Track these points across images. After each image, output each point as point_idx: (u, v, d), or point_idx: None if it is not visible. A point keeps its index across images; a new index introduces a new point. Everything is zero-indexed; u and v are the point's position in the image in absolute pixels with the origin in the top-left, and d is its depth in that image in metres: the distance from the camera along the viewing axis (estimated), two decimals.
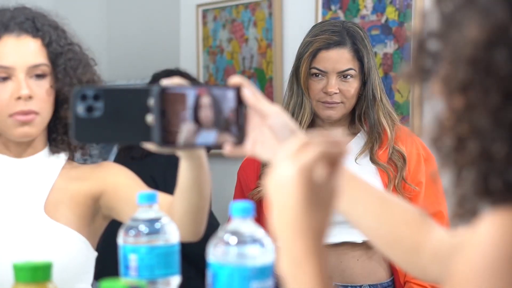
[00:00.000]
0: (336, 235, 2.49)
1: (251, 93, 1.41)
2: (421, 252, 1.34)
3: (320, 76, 2.52)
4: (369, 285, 2.52)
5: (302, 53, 2.56)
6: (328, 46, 2.52)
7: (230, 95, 1.41)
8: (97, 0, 4.70)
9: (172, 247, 1.55)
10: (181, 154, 1.69)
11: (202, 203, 1.78)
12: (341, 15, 3.75)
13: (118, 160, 3.62)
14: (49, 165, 1.97)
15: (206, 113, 1.39)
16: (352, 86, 2.51)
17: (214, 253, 1.39)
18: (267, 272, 1.38)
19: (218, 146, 1.42)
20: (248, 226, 1.39)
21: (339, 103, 2.51)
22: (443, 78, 0.93)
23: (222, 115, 1.41)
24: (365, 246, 2.50)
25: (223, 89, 1.42)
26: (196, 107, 1.39)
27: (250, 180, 2.65)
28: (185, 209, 1.78)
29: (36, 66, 1.90)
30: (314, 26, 2.67)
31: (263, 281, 1.37)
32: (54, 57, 1.93)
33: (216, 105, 1.40)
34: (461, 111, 0.92)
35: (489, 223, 0.90)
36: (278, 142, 1.37)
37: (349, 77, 2.51)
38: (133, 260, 1.53)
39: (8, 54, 1.89)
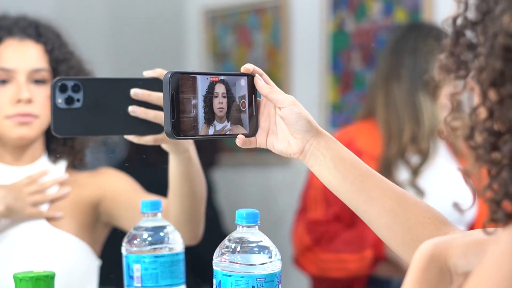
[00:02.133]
0: None
1: (264, 82, 1.36)
2: None
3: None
4: None
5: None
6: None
7: (242, 82, 1.36)
8: (101, 4, 4.68)
9: (177, 256, 1.52)
10: (167, 148, 1.66)
11: (195, 201, 1.75)
12: (348, 18, 3.72)
13: (130, 165, 3.58)
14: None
15: (220, 102, 1.34)
16: None
17: (219, 262, 1.36)
18: (274, 281, 1.34)
19: (227, 137, 1.37)
20: (254, 234, 1.36)
21: None
22: (478, 69, 0.90)
23: (234, 104, 1.35)
24: None
25: (234, 77, 1.36)
26: (208, 95, 1.33)
27: None
28: (179, 209, 1.75)
29: (37, 71, 1.88)
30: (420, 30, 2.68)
31: None
32: (55, 64, 1.91)
33: (229, 93, 1.35)
34: (495, 105, 0.88)
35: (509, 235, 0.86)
36: (291, 133, 1.33)
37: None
38: (137, 269, 1.50)
39: (9, 57, 1.87)
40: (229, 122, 1.35)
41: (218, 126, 1.34)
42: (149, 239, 1.50)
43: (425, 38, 2.54)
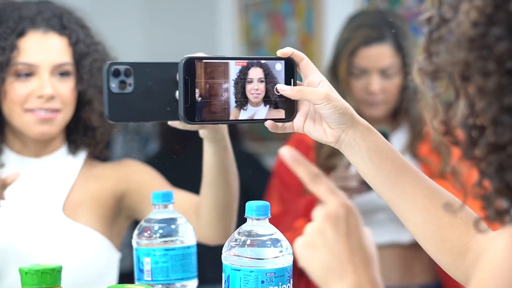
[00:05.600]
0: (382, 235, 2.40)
1: (305, 65, 1.33)
2: (466, 256, 1.25)
3: (360, 74, 2.41)
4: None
5: (340, 50, 2.45)
6: (368, 42, 2.40)
7: (278, 67, 1.32)
8: (136, 1, 4.67)
9: (189, 249, 1.48)
10: (204, 136, 1.62)
11: (229, 195, 1.71)
12: (382, 5, 3.65)
13: (166, 157, 3.55)
14: (68, 164, 1.92)
15: (253, 87, 1.32)
16: (394, 83, 2.39)
17: (228, 256, 1.32)
18: (285, 276, 1.30)
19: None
20: (265, 227, 1.32)
21: (381, 101, 2.40)
22: (447, 64, 0.86)
23: (271, 88, 1.32)
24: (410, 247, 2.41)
25: (271, 61, 1.32)
26: (240, 80, 1.31)
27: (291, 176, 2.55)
28: (213, 203, 1.71)
29: (60, 65, 1.85)
30: (351, 19, 2.56)
31: (280, 286, 1.29)
32: (79, 57, 1.88)
33: (267, 78, 1.32)
34: (470, 100, 0.85)
35: (506, 238, 0.82)
36: (327, 123, 1.30)
37: (391, 73, 2.39)
38: (147, 263, 1.46)
39: (33, 51, 1.84)
40: (267, 107, 1.32)
41: (251, 111, 1.32)
42: (160, 231, 1.46)
43: (359, 28, 2.46)
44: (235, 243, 1.32)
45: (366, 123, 1.30)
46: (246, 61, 1.32)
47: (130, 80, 1.37)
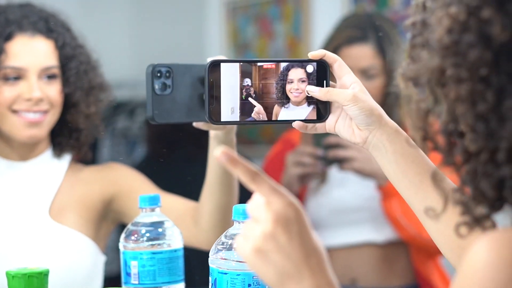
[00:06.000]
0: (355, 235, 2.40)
1: (338, 66, 1.34)
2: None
3: None
4: None
5: (324, 49, 2.45)
6: (350, 42, 2.41)
7: (310, 69, 1.35)
8: (123, 3, 4.67)
9: (176, 252, 1.48)
10: (216, 137, 1.62)
11: (231, 199, 1.72)
12: (370, 8, 3.66)
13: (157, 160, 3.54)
14: (53, 167, 1.92)
15: (293, 86, 1.34)
16: (375, 85, 2.40)
17: (215, 259, 1.32)
18: None
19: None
20: None
21: None
22: (425, 70, 0.87)
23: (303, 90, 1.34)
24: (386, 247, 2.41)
25: (301, 63, 1.35)
26: (280, 81, 1.34)
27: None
28: (214, 206, 1.72)
29: (48, 69, 1.85)
30: (340, 20, 2.57)
31: None
32: (65, 60, 1.89)
33: (310, 79, 1.34)
34: (448, 106, 0.85)
35: (482, 247, 0.82)
36: (355, 124, 1.30)
37: (371, 74, 2.39)
38: (134, 266, 1.46)
39: (21, 55, 1.84)
40: (310, 107, 1.34)
41: (293, 109, 1.34)
42: (147, 235, 1.46)
43: (344, 28, 2.48)
44: (222, 246, 1.32)
45: (395, 125, 1.30)
46: (280, 63, 1.35)
47: (169, 82, 1.38)
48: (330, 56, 1.35)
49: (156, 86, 1.37)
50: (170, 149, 3.39)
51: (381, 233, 2.39)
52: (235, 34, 4.29)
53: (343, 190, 2.44)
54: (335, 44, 2.43)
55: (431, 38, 0.88)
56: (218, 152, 0.97)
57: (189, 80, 1.40)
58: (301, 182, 2.36)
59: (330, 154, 2.31)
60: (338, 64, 1.34)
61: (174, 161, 3.36)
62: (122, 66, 4.34)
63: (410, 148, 1.27)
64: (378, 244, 2.41)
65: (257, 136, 4.09)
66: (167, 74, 1.38)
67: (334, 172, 2.41)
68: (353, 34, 2.42)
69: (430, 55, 0.88)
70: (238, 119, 1.33)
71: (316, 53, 1.35)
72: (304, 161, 2.32)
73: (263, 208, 0.96)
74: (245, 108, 1.32)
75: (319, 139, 2.32)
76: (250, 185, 0.98)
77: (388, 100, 2.40)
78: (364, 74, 2.39)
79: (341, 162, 2.31)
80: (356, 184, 2.40)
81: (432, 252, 2.31)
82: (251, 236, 0.96)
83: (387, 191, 2.28)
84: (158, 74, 1.37)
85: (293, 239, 0.94)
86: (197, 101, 1.40)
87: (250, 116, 1.32)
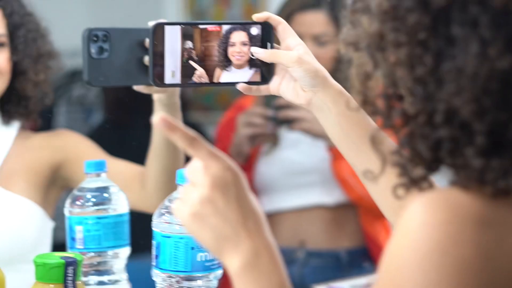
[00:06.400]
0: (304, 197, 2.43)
1: (283, 28, 1.34)
2: None
3: None
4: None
5: (278, 15, 2.45)
6: (303, 8, 2.42)
7: (254, 31, 1.34)
8: None
9: (121, 217, 1.49)
10: (159, 99, 1.62)
11: (176, 162, 1.71)
12: None
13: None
14: (1, 135, 1.90)
15: (235, 49, 1.33)
16: (327, 51, 2.40)
17: (158, 223, 1.32)
18: None
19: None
20: None
21: None
22: (368, 35, 0.88)
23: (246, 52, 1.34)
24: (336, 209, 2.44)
25: (246, 25, 1.35)
26: (222, 43, 1.33)
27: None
28: (159, 169, 1.72)
29: None
30: None
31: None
32: (13, 28, 1.87)
33: (252, 42, 1.34)
34: (386, 70, 0.86)
35: (417, 207, 0.83)
36: (300, 85, 1.30)
37: (324, 41, 2.40)
38: (79, 231, 1.46)
39: None
40: (252, 70, 1.34)
41: (235, 72, 1.33)
42: (93, 200, 1.46)
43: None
44: (165, 210, 1.33)
45: (339, 87, 1.30)
46: (223, 25, 1.34)
47: (107, 46, 1.37)
48: (274, 19, 1.35)
49: (93, 50, 1.37)
50: (127, 116, 3.39)
51: (331, 196, 2.42)
52: (191, 1, 4.27)
53: (295, 151, 2.45)
54: (288, 10, 2.43)
55: (371, 4, 0.89)
56: (157, 118, 0.97)
57: (127, 44, 1.40)
58: (251, 143, 2.37)
59: (280, 114, 2.33)
60: (282, 26, 1.34)
61: (131, 127, 3.36)
62: (79, 33, 4.30)
63: (354, 110, 1.27)
64: (328, 207, 2.43)
65: (213, 102, 4.09)
66: (104, 38, 1.37)
67: (286, 134, 2.42)
68: (306, 1, 2.42)
69: (369, 20, 0.89)
70: (179, 82, 1.32)
71: (260, 15, 1.35)
72: (254, 121, 2.33)
73: (201, 172, 0.97)
74: (186, 71, 1.31)
75: (269, 101, 2.32)
76: (188, 150, 0.98)
77: (340, 67, 2.41)
78: (316, 40, 2.40)
79: (291, 122, 2.32)
80: (308, 146, 2.41)
81: (379, 213, 2.32)
82: (189, 200, 0.97)
83: (337, 152, 2.29)
84: (95, 38, 1.37)
85: (230, 202, 0.95)
86: (136, 64, 1.40)
87: (191, 79, 1.32)
